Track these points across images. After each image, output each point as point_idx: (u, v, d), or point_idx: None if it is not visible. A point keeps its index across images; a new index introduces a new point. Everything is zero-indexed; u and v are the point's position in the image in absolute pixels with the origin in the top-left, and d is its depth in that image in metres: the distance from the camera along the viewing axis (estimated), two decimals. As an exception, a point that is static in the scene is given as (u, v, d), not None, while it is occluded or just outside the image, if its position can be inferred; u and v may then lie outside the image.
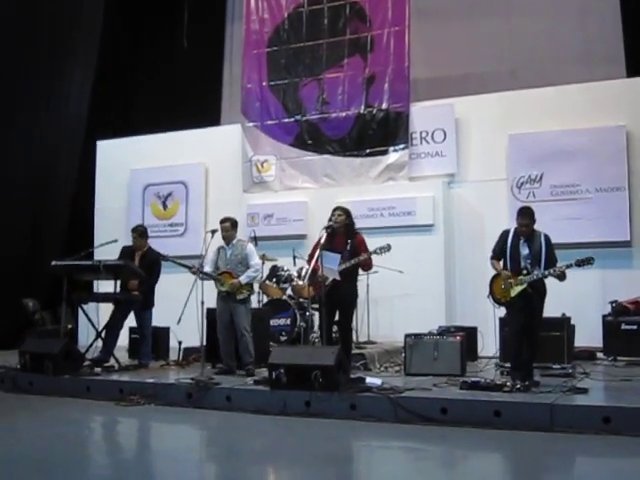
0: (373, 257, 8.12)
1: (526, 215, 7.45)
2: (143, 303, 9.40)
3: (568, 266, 7.22)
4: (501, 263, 7.57)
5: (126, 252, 9.58)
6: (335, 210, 8.16)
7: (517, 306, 7.38)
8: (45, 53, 13.01)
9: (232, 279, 8.65)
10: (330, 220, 8.06)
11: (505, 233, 7.63)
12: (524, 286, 7.30)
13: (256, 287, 9.75)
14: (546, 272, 7.25)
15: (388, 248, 7.98)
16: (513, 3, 12.38)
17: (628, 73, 11.04)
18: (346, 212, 8.15)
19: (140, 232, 9.73)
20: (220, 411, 7.30)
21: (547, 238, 7.45)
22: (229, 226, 8.88)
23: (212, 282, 8.76)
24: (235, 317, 8.65)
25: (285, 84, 12.45)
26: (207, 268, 8.77)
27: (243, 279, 8.66)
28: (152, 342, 9.79)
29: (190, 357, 9.63)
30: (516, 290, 7.34)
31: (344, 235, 8.03)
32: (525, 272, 7.31)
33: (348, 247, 7.89)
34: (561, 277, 7.24)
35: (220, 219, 9.00)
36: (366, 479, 5.54)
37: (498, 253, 7.60)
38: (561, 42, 11.87)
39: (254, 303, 9.65)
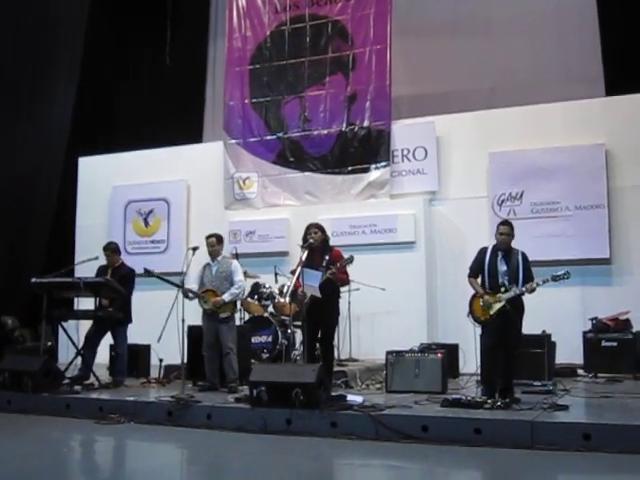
0: (349, 271, 8.15)
1: (507, 225, 7.58)
2: (120, 320, 9.32)
3: (545, 281, 7.30)
4: (479, 280, 7.61)
5: (101, 271, 9.49)
6: (311, 228, 8.14)
7: (495, 324, 7.38)
8: (28, 68, 12.99)
9: (215, 297, 8.62)
10: (306, 238, 8.07)
11: (483, 250, 7.67)
12: (502, 304, 7.33)
13: (238, 304, 9.70)
14: (523, 289, 7.30)
15: (351, 260, 7.97)
16: (493, 22, 12.53)
17: (607, 92, 11.18)
18: (321, 228, 8.17)
19: (112, 249, 9.62)
20: (200, 429, 7.23)
21: (524, 256, 7.52)
22: (214, 241, 8.85)
23: (196, 299, 8.74)
24: (220, 335, 8.62)
25: (267, 101, 12.48)
26: (193, 285, 8.74)
27: (226, 297, 8.63)
28: (133, 360, 9.72)
29: (171, 375, 9.56)
30: (495, 308, 7.37)
31: (320, 251, 8.05)
32: (503, 289, 7.36)
33: (324, 262, 7.90)
34: (531, 291, 7.34)
35: (206, 235, 8.97)
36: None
37: (475, 270, 7.64)
38: (541, 61, 12.03)
39: (236, 320, 9.59)
